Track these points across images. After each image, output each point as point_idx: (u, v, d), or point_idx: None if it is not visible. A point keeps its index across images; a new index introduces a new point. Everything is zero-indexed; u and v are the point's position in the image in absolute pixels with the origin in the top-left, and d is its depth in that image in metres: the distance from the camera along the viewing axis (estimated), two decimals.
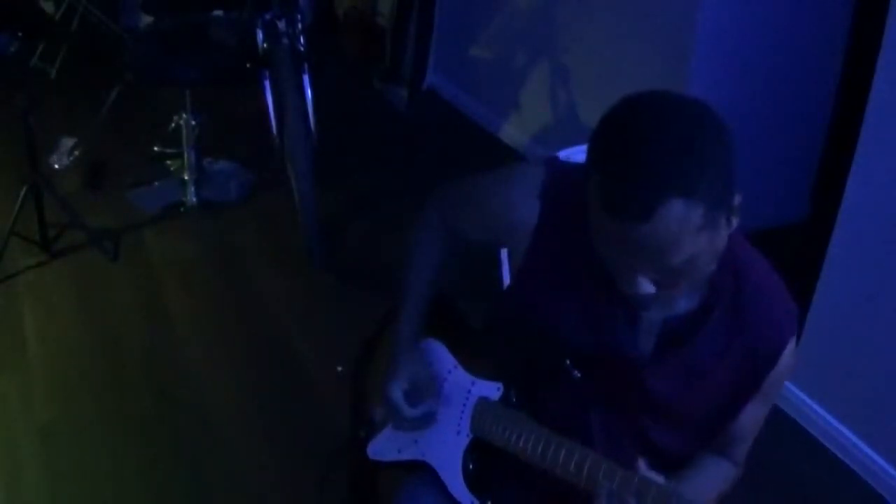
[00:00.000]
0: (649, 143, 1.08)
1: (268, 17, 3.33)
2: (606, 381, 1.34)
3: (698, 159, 1.08)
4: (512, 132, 4.20)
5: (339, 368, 1.72)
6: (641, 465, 1.21)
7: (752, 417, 1.36)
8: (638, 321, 1.30)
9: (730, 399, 1.32)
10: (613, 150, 1.11)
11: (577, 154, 1.59)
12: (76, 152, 3.86)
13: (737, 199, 1.15)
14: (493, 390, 1.41)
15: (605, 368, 1.33)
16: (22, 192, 3.14)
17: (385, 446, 1.54)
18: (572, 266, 1.33)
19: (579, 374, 1.34)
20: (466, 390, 1.44)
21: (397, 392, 1.46)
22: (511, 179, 1.40)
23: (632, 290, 1.16)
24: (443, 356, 1.50)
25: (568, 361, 1.34)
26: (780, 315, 1.30)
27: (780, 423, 2.55)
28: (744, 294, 1.27)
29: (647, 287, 1.15)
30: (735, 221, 1.17)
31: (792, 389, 2.59)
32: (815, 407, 2.55)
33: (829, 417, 2.52)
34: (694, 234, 1.09)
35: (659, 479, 1.20)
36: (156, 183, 3.72)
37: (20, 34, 3.19)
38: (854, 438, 2.46)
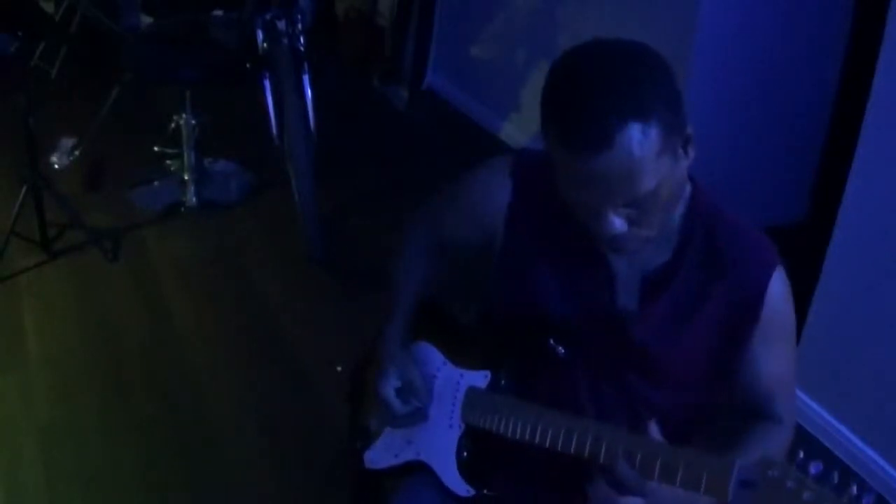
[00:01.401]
0: (598, 76, 1.13)
1: (268, 17, 3.34)
2: (594, 350, 1.35)
3: (647, 85, 1.12)
4: (512, 132, 4.20)
5: (339, 368, 1.73)
6: (652, 427, 1.21)
7: (770, 365, 1.34)
8: (616, 280, 1.32)
9: (724, 344, 1.32)
10: (563, 91, 1.16)
11: None
12: (76, 152, 3.86)
13: (689, 129, 1.18)
14: (480, 378, 1.43)
15: (591, 336, 1.35)
16: (22, 192, 3.14)
17: (382, 453, 1.55)
18: (548, 238, 1.36)
19: (563, 351, 1.35)
20: (456, 383, 1.46)
21: (389, 390, 1.48)
22: (481, 169, 1.45)
23: (604, 231, 1.19)
24: (432, 356, 1.52)
25: (551, 340, 1.35)
26: (757, 249, 1.31)
27: None
28: (717, 236, 1.30)
29: (619, 224, 1.18)
30: (692, 153, 1.20)
31: None
32: (815, 407, 2.55)
33: (829, 417, 2.52)
34: (655, 158, 1.12)
35: (657, 437, 1.21)
36: (156, 183, 3.72)
37: (20, 34, 3.18)
38: (854, 438, 2.46)
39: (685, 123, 1.17)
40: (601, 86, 1.12)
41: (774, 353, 1.34)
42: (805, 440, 2.55)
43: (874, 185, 2.29)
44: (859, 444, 2.44)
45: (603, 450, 1.23)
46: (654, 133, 1.11)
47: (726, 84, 3.09)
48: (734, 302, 1.30)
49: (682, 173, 1.21)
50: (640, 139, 1.10)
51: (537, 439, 1.31)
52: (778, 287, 1.30)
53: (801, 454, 1.06)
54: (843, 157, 2.40)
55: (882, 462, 2.38)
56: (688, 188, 1.30)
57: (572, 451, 1.27)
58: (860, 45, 3.15)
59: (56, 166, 3.81)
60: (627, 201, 1.16)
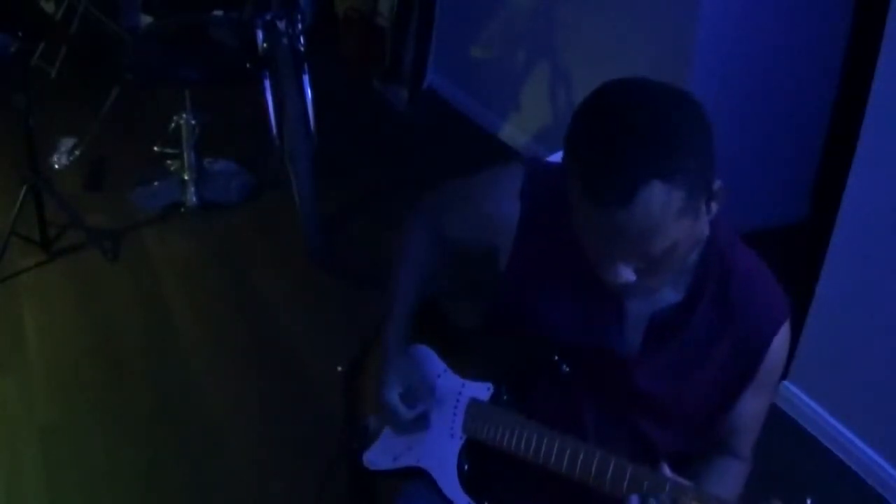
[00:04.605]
0: (628, 127, 1.08)
1: (268, 17, 3.33)
2: (596, 376, 1.34)
3: (678, 143, 1.08)
4: (512, 132, 4.20)
5: (339, 368, 1.72)
6: (665, 468, 1.20)
7: (752, 409, 1.36)
8: (625, 316, 1.30)
9: (723, 391, 1.32)
10: (591, 136, 1.11)
11: None
12: (76, 152, 3.86)
13: (717, 185, 1.15)
14: (483, 391, 1.41)
15: (594, 363, 1.33)
16: (22, 192, 3.13)
17: (381, 455, 1.54)
18: (557, 262, 1.33)
19: (568, 369, 1.34)
20: (457, 392, 1.44)
21: (394, 396, 1.46)
22: (492, 180, 1.42)
23: (612, 279, 1.16)
24: (432, 361, 1.50)
25: (556, 357, 1.34)
26: (769, 303, 1.30)
27: (781, 423, 2.55)
28: (731, 284, 1.27)
29: (627, 275, 1.15)
30: (715, 208, 1.17)
31: (792, 389, 2.59)
32: (815, 407, 2.55)
33: (829, 417, 2.52)
34: (675, 218, 1.09)
35: (667, 471, 1.20)
36: (156, 183, 3.71)
37: (20, 34, 3.18)
38: (854, 438, 2.46)
39: (713, 179, 1.13)
40: (632, 138, 1.07)
41: (756, 400, 1.35)
42: (805, 440, 2.55)
43: (874, 185, 2.29)
44: (859, 444, 2.44)
45: (608, 478, 1.22)
46: (677, 195, 1.07)
47: (727, 84, 3.09)
48: (737, 353, 1.29)
49: (701, 228, 1.16)
50: (661, 200, 1.06)
51: (541, 460, 1.30)
52: (780, 343, 1.31)
53: (809, 501, 1.05)
54: (843, 156, 2.40)
55: (882, 462, 2.38)
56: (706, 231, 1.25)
57: (576, 476, 1.26)
58: (860, 45, 3.15)
59: (56, 166, 3.81)
60: (639, 256, 1.13)
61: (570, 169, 1.13)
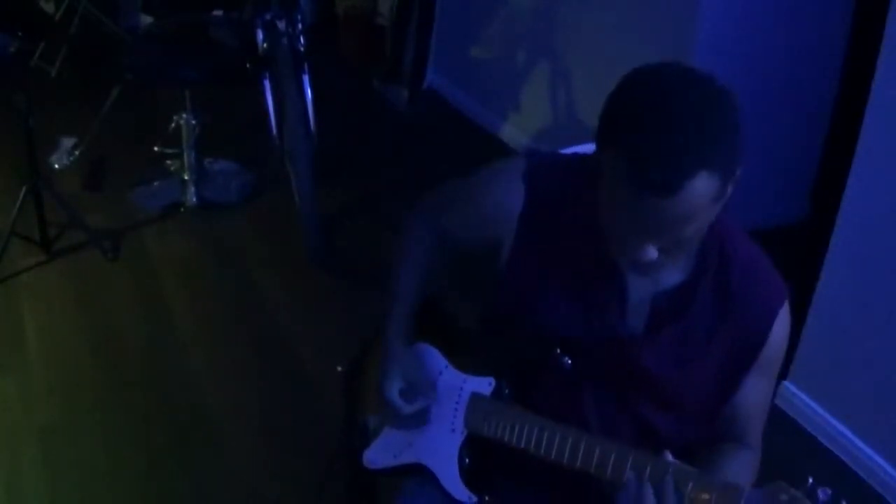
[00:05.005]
0: (675, 117, 1.10)
1: (268, 17, 3.33)
2: (599, 366, 1.35)
3: (719, 133, 1.11)
4: (512, 132, 4.20)
5: (339, 368, 1.73)
6: (667, 454, 1.21)
7: (755, 395, 1.36)
8: (627, 299, 1.31)
9: (724, 376, 1.33)
10: (638, 125, 1.11)
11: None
12: (76, 152, 3.86)
13: (739, 170, 1.16)
14: (484, 385, 1.42)
15: (597, 353, 1.34)
16: (22, 192, 3.13)
17: (381, 453, 1.54)
18: (559, 250, 1.34)
19: (570, 362, 1.35)
20: (458, 388, 1.45)
21: (394, 391, 1.47)
22: (492, 177, 1.43)
23: (639, 258, 1.18)
24: (433, 358, 1.50)
25: (558, 350, 1.35)
26: (768, 288, 1.32)
27: (781, 423, 2.55)
28: (731, 270, 1.29)
29: (653, 254, 1.18)
30: (731, 189, 1.18)
31: (792, 389, 2.59)
32: (815, 407, 2.55)
33: (829, 417, 2.52)
34: (709, 204, 1.13)
35: (669, 456, 1.21)
36: (156, 183, 3.72)
37: (20, 34, 3.19)
38: (854, 438, 2.46)
39: (740, 165, 1.15)
40: (680, 129, 1.09)
41: (760, 386, 1.36)
42: (805, 440, 2.55)
43: (874, 185, 2.29)
44: (859, 444, 2.44)
45: (610, 466, 1.22)
46: (716, 183, 1.11)
47: (727, 84, 3.09)
48: (738, 338, 1.31)
49: (718, 209, 1.19)
50: (703, 189, 1.10)
51: (542, 452, 1.31)
52: (780, 328, 1.32)
53: (811, 480, 1.06)
54: (843, 156, 2.40)
55: (882, 462, 2.38)
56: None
57: (578, 465, 1.27)
58: (860, 45, 3.15)
59: (56, 166, 3.81)
60: (670, 238, 1.16)
61: (610, 153, 1.14)
